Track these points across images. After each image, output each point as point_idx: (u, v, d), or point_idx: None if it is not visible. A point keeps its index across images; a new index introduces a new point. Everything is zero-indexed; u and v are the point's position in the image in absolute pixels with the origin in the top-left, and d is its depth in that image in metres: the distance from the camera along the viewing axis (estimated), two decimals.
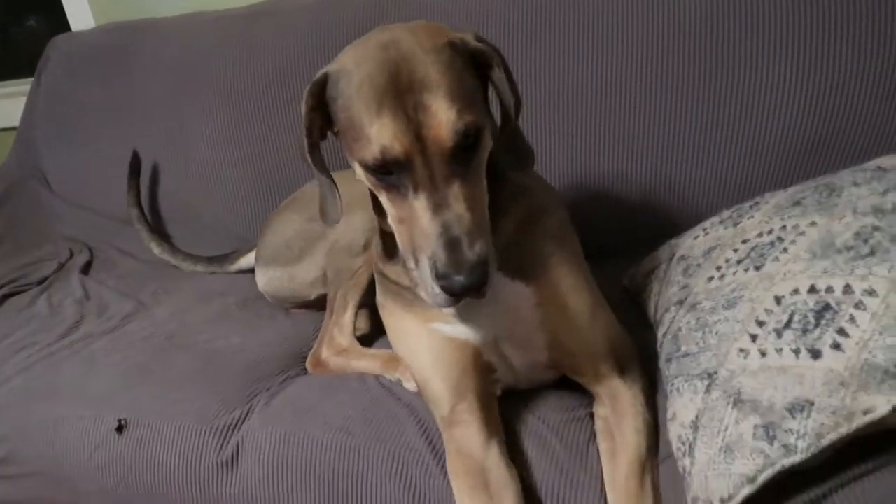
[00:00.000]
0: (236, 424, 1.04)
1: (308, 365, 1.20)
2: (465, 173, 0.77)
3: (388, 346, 1.19)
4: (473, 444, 0.88)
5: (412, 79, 0.75)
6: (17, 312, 1.53)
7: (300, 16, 1.64)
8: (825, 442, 0.64)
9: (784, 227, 0.84)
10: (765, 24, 1.24)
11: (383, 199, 0.81)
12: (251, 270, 1.50)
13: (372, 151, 0.75)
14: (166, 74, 1.79)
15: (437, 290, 0.75)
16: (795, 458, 0.65)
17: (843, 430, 0.64)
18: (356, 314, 1.22)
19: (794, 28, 1.22)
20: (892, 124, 1.19)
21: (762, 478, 0.67)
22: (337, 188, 0.89)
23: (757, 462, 0.67)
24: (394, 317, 0.98)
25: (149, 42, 1.84)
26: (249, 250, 1.56)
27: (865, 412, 0.63)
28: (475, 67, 0.82)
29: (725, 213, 1.00)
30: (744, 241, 0.87)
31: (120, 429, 1.09)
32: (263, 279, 1.42)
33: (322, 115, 0.84)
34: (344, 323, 1.20)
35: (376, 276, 1.02)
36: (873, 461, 0.68)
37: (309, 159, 0.87)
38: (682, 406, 0.77)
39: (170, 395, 1.12)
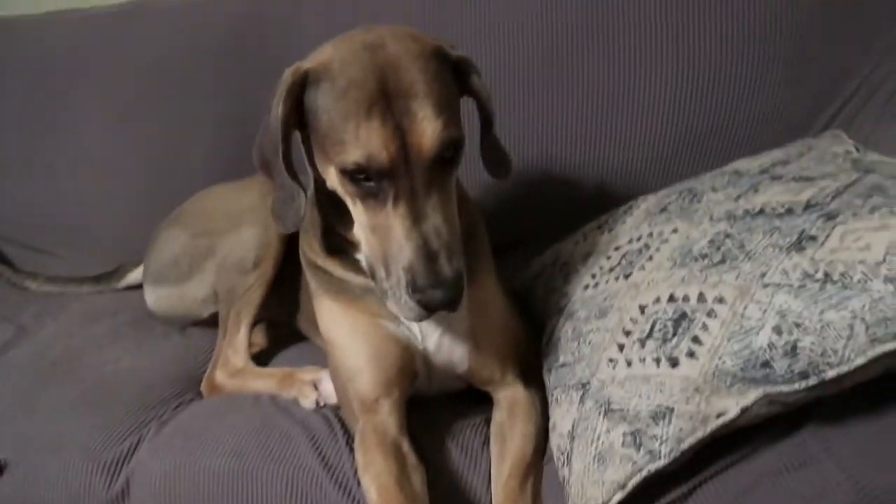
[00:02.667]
0: (125, 457, 1.00)
1: (203, 388, 1.17)
2: (442, 185, 0.77)
3: (286, 363, 1.18)
4: (389, 427, 0.89)
5: (399, 85, 0.74)
6: None
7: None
8: (685, 446, 0.69)
9: (651, 233, 0.88)
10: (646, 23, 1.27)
11: (357, 206, 0.79)
12: (141, 286, 1.44)
13: (355, 157, 0.73)
14: (29, 79, 1.66)
15: (413, 303, 0.74)
16: (660, 463, 0.70)
17: (700, 433, 0.69)
18: (250, 332, 1.20)
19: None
20: (769, 116, 1.25)
21: (631, 484, 0.71)
22: (304, 191, 0.84)
23: (626, 469, 0.71)
24: (334, 310, 0.95)
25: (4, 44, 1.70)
26: (136, 264, 1.49)
27: (718, 415, 0.68)
28: (455, 76, 0.82)
29: (603, 219, 1.04)
30: (616, 248, 0.92)
31: (0, 469, 1.03)
32: (152, 298, 1.37)
33: (295, 115, 0.79)
34: (238, 343, 1.18)
35: (311, 272, 0.99)
36: (730, 457, 0.73)
37: (282, 163, 0.81)
38: (560, 416, 0.81)
39: (54, 428, 1.06)
